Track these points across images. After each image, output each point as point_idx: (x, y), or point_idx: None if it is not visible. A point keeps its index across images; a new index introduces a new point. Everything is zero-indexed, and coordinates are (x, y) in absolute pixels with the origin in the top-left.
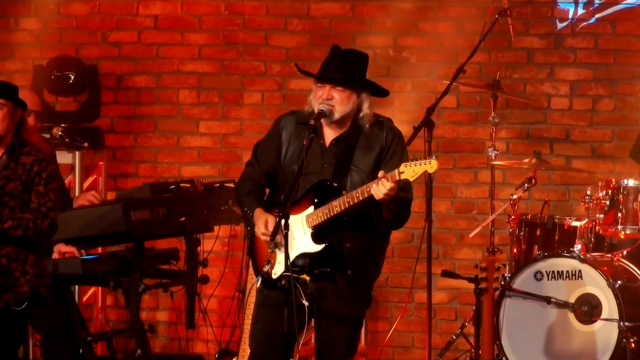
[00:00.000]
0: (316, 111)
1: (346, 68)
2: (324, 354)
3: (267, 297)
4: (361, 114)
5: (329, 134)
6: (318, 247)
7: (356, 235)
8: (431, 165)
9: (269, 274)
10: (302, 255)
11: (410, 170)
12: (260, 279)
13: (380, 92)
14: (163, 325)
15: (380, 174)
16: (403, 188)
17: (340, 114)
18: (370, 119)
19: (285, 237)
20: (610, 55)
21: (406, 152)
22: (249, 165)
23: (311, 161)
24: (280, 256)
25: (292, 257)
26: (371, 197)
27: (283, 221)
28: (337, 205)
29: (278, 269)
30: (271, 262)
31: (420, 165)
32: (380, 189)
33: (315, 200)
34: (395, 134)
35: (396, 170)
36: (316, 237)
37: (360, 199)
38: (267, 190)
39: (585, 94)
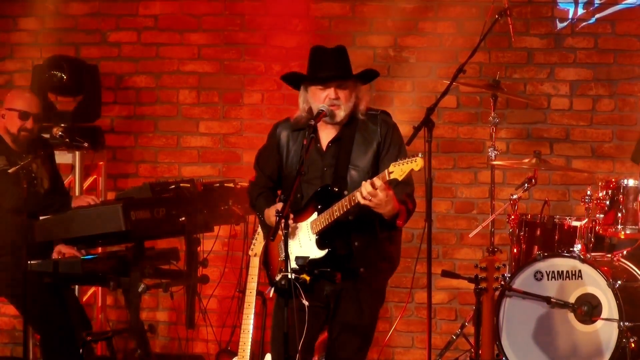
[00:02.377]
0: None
1: (341, 65)
2: (336, 357)
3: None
4: (358, 107)
5: (325, 136)
6: (322, 253)
7: (363, 233)
8: (416, 163)
9: (281, 283)
10: (308, 260)
11: (398, 170)
12: (273, 288)
13: (370, 78)
14: (163, 325)
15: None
16: (405, 182)
17: (346, 112)
18: (364, 112)
19: (285, 237)
20: (610, 55)
21: (403, 144)
22: (255, 170)
23: (311, 166)
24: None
25: (299, 262)
26: None
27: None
28: (336, 210)
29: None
30: (282, 271)
31: (406, 164)
32: (367, 187)
33: (319, 207)
34: (389, 126)
35: (386, 171)
36: (320, 242)
37: (356, 201)
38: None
39: (585, 94)
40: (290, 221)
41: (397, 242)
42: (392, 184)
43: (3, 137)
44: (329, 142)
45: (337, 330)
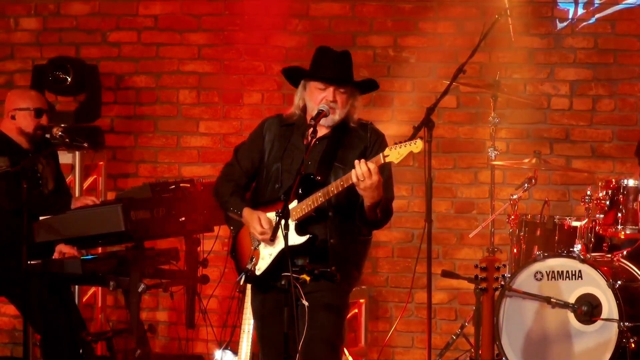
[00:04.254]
0: (316, 111)
1: (345, 70)
2: (314, 339)
3: (266, 304)
4: (352, 115)
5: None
6: (302, 239)
7: (341, 232)
8: (416, 145)
9: (252, 271)
10: (292, 252)
11: (395, 153)
12: (243, 276)
13: (369, 89)
14: (163, 325)
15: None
16: (385, 189)
17: (340, 116)
18: (356, 120)
19: (285, 237)
20: (610, 55)
21: None
22: (228, 165)
23: (295, 159)
24: (263, 252)
25: (276, 251)
26: (356, 195)
27: (283, 221)
28: (321, 196)
29: (262, 265)
30: (254, 260)
31: (405, 146)
32: (362, 167)
33: (299, 192)
34: (379, 135)
35: (380, 154)
36: (299, 229)
37: (345, 186)
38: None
39: (585, 94)
40: (272, 214)
41: (366, 254)
42: (386, 169)
43: (12, 138)
44: (317, 139)
45: (310, 316)
